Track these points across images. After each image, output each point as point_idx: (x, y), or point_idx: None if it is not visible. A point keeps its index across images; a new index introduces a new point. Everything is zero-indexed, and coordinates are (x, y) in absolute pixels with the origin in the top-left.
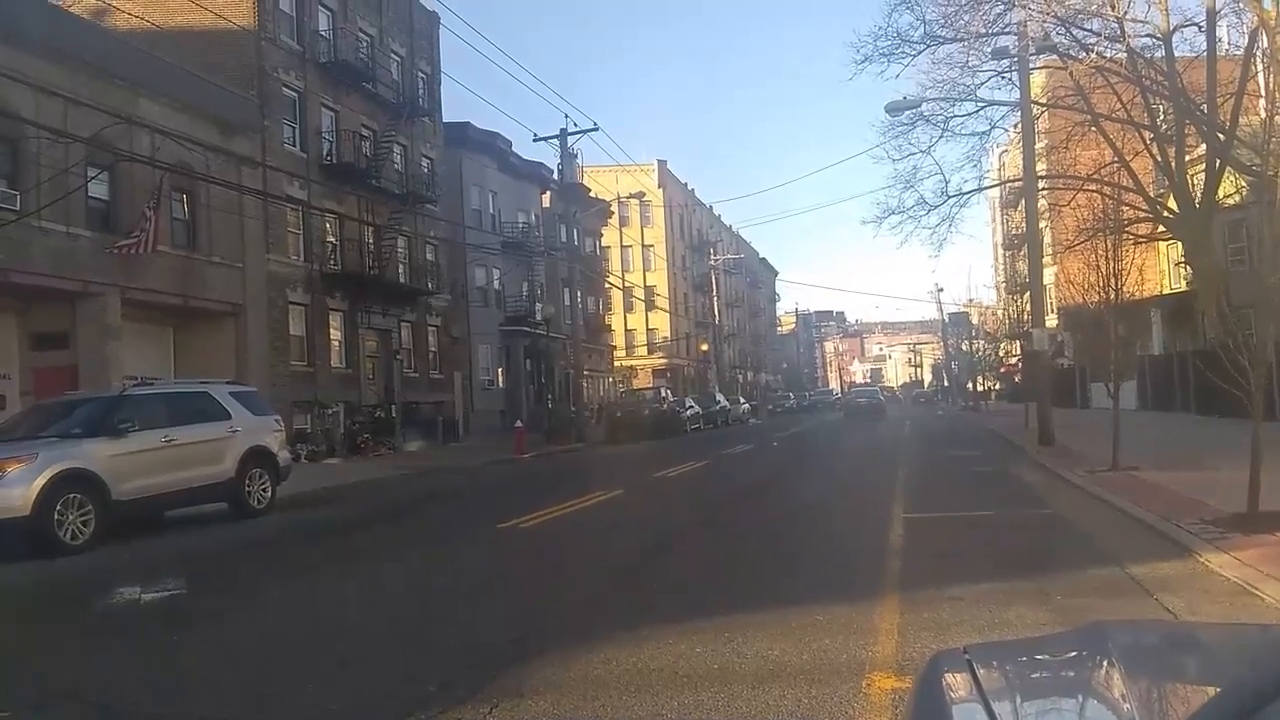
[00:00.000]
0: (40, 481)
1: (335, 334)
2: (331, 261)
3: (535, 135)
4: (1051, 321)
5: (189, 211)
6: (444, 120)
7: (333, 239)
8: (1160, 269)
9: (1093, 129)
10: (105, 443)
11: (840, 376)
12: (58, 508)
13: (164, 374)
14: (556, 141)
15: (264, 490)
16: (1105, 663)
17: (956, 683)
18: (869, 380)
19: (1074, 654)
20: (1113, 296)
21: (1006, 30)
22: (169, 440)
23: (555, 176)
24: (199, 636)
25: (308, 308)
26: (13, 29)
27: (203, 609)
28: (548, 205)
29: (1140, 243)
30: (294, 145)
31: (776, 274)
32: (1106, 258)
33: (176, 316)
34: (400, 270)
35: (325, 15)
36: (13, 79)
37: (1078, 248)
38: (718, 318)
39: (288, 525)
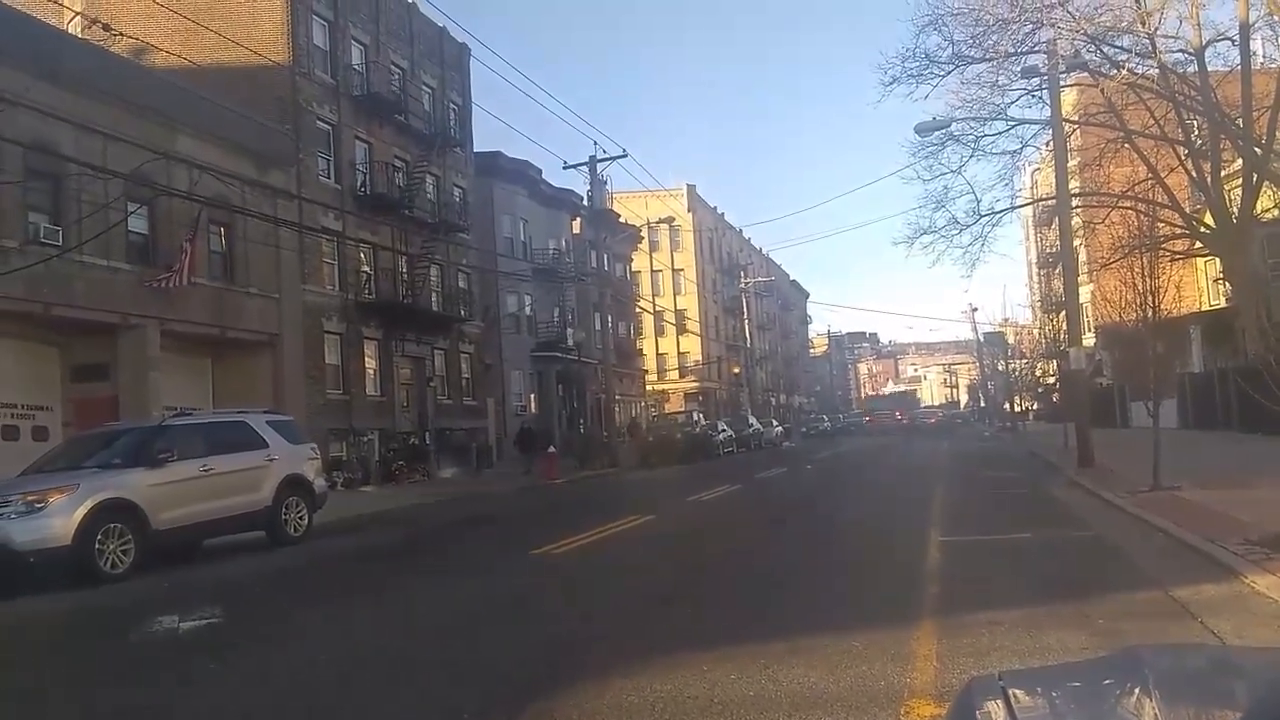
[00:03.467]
0: (81, 511)
1: (370, 362)
2: (366, 291)
3: (565, 163)
4: (1089, 340)
5: (226, 244)
6: (475, 150)
7: (367, 269)
8: (1198, 285)
9: (1126, 146)
10: (145, 473)
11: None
12: (98, 537)
13: (202, 404)
14: (586, 169)
15: (300, 518)
16: (1140, 689)
17: (991, 710)
18: (901, 396)
19: (1110, 680)
20: (1150, 314)
21: (1036, 49)
22: (207, 469)
23: (585, 203)
24: (237, 665)
25: (343, 337)
26: (55, 69)
27: (240, 638)
28: (578, 231)
29: (1177, 259)
30: (328, 177)
31: (808, 296)
32: (1143, 275)
33: (214, 347)
34: (433, 298)
35: (358, 49)
36: (55, 117)
37: (1113, 265)
38: (749, 340)
39: (324, 553)
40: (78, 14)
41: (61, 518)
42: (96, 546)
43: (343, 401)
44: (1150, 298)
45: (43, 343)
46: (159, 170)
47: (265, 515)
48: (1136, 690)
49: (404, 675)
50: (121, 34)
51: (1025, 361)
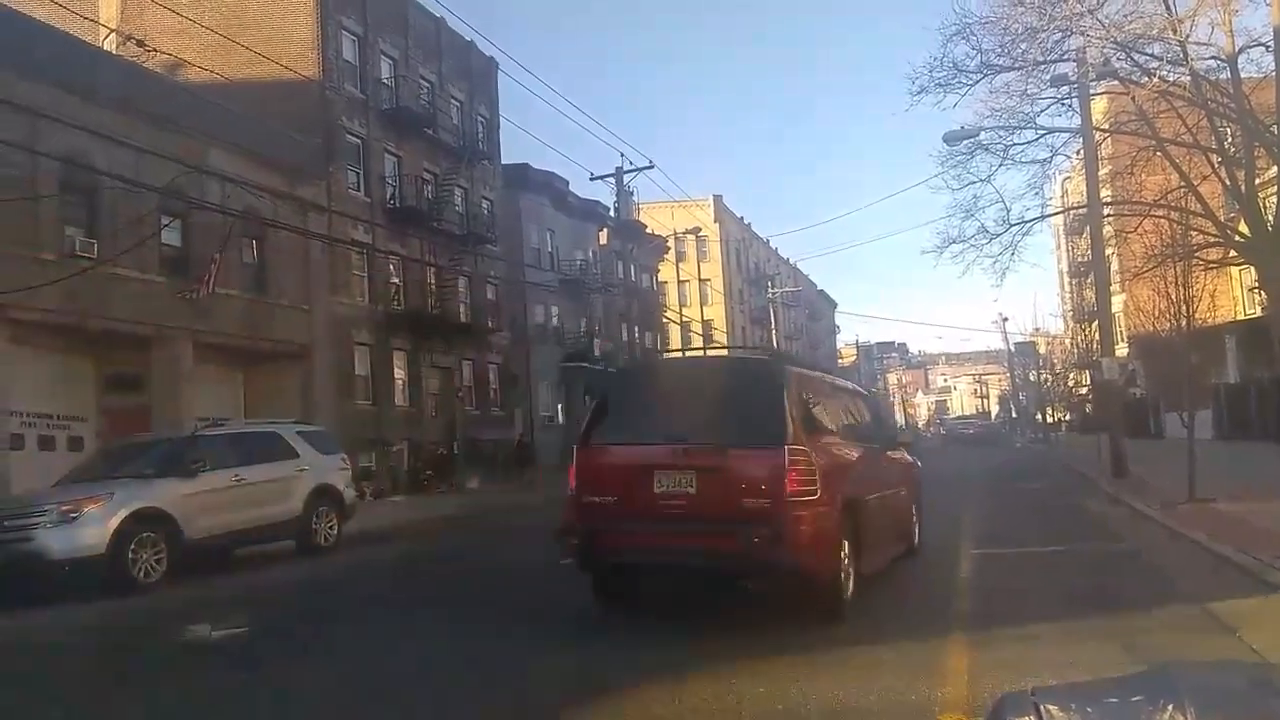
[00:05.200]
0: (115, 521)
1: (399, 373)
2: (395, 302)
3: (592, 174)
4: (1121, 350)
5: (258, 256)
6: (503, 162)
7: (396, 280)
8: (1233, 295)
9: (1158, 154)
10: (178, 483)
11: (904, 409)
12: (132, 546)
13: (234, 414)
14: (613, 180)
15: (330, 528)
16: (1174, 706)
17: None
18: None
19: (1144, 697)
20: (1184, 324)
21: (1065, 57)
22: (239, 479)
23: (612, 214)
24: (266, 676)
25: (372, 348)
26: (90, 85)
27: (270, 649)
28: (605, 243)
29: (1211, 268)
30: (358, 190)
31: (836, 306)
32: (1176, 284)
33: (246, 358)
34: (461, 309)
35: (387, 63)
36: (90, 132)
37: (1146, 274)
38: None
39: (354, 563)
40: (112, 31)
41: (96, 527)
42: (130, 555)
43: (372, 412)
44: (1184, 307)
45: (78, 354)
46: (192, 184)
47: (296, 525)
48: (1170, 707)
49: (432, 683)
50: (155, 50)
51: (1058, 371)
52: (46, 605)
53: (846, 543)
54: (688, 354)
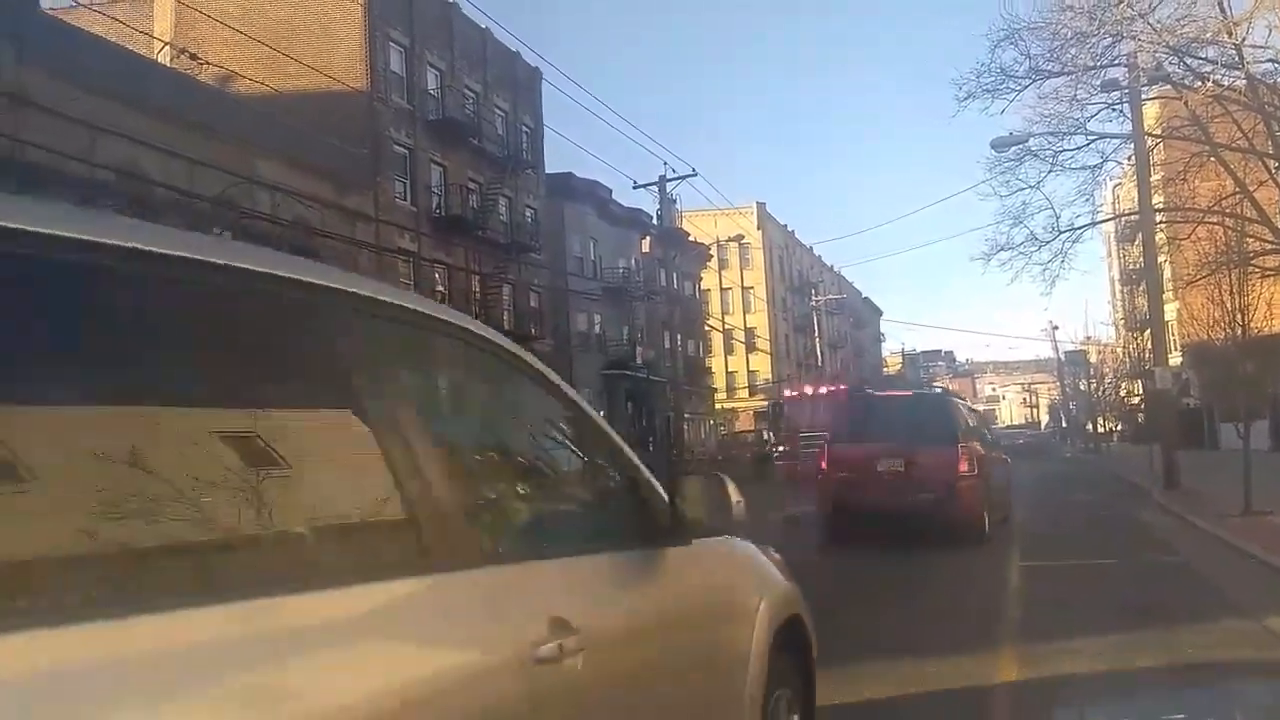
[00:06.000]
0: None
1: None
2: None
3: (635, 183)
4: (1175, 359)
5: None
6: (547, 170)
7: (441, 289)
8: None
9: (1212, 159)
10: None
11: None
12: None
13: None
14: (656, 188)
15: None
16: None
17: None
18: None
19: (1196, 715)
20: (1239, 332)
21: (1116, 62)
22: None
23: (655, 222)
24: None
25: None
26: (145, 97)
27: None
28: (647, 250)
29: (1268, 276)
30: (405, 200)
31: (881, 314)
32: (1231, 292)
33: None
34: (505, 317)
35: (433, 74)
36: (143, 144)
37: (1200, 282)
38: (820, 359)
39: None
40: (166, 44)
41: None
42: None
43: None
44: (1239, 315)
45: None
46: (243, 194)
47: None
48: None
49: None
50: (207, 63)
51: (1109, 380)
52: None
53: (985, 503)
54: (890, 391)
